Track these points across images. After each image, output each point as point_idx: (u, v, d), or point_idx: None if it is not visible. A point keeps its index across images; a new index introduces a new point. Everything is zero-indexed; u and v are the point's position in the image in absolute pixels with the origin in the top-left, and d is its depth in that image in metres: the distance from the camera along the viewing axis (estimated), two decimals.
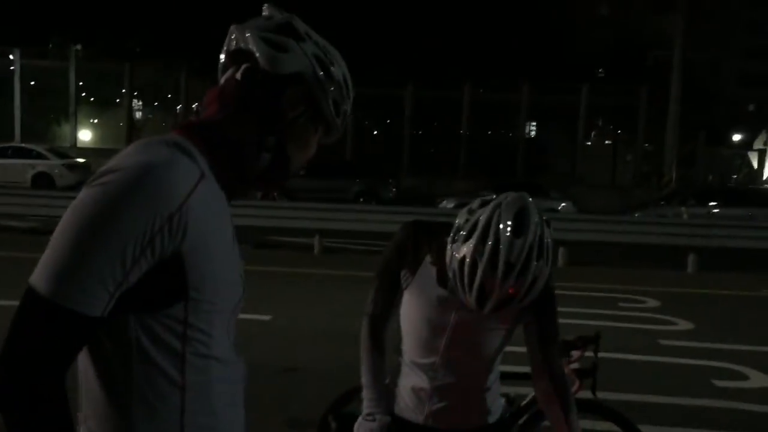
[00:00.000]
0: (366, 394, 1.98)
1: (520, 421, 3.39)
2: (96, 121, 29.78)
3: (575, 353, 3.33)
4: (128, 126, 28.19)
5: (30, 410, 1.04)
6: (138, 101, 29.87)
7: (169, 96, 29.36)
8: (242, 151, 1.26)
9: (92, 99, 29.56)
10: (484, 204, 1.69)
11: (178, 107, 28.10)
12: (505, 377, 3.69)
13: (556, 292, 1.92)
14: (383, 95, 28.78)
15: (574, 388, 3.19)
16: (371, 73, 26.80)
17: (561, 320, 1.93)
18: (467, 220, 1.68)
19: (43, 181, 20.37)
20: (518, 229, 1.62)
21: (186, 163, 1.15)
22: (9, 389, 1.04)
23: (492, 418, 1.99)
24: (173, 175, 1.11)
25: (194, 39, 26.24)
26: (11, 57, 26.99)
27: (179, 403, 1.15)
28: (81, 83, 28.02)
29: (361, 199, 20.66)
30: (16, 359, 1.04)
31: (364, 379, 1.98)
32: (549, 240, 1.68)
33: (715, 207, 17.40)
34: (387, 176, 22.77)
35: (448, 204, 19.59)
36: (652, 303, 8.98)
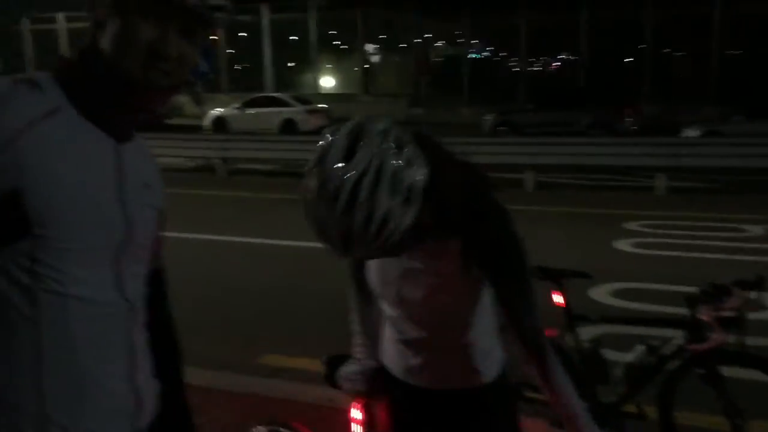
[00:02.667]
0: (354, 339, 1.90)
1: (670, 368, 3.19)
2: (333, 67, 31.45)
3: (729, 300, 3.02)
4: (362, 70, 29.75)
5: None
6: (374, 45, 30.94)
7: (402, 37, 30.14)
8: (101, 76, 1.18)
9: (334, 43, 31.22)
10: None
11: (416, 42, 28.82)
12: (645, 323, 3.49)
13: None
14: (620, 20, 26.95)
15: (717, 339, 2.90)
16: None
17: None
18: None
19: (288, 127, 21.86)
20: (347, 152, 1.33)
21: (24, 98, 1.14)
22: None
23: (486, 378, 1.75)
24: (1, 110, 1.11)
25: None
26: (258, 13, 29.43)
27: (33, 336, 1.16)
28: (319, 33, 29.96)
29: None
30: None
31: (353, 325, 1.90)
32: (403, 172, 1.34)
33: None
34: (622, 106, 21.15)
35: (692, 132, 17.72)
36: None
